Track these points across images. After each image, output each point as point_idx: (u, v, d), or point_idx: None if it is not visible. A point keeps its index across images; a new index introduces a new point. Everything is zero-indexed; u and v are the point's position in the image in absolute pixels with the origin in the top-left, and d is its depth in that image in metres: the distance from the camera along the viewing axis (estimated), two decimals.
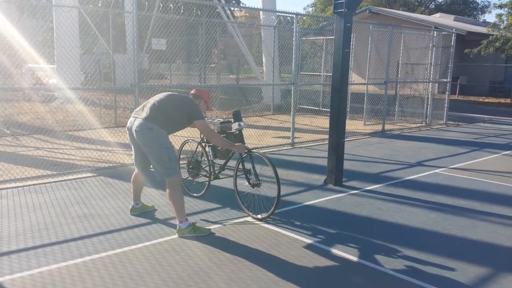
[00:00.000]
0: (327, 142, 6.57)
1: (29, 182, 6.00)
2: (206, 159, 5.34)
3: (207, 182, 5.43)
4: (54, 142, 8.78)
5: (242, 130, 5.13)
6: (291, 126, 9.22)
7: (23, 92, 15.04)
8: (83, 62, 14.90)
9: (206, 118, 5.10)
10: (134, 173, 4.87)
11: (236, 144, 4.85)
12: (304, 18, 33.19)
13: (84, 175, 6.50)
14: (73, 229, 4.48)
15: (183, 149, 5.87)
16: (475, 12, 46.00)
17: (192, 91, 4.83)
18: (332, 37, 6.39)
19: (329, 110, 6.54)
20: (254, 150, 4.93)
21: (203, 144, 5.35)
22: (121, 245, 4.11)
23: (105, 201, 5.37)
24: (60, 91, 13.28)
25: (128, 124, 4.51)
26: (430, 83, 13.30)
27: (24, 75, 15.34)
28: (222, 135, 5.03)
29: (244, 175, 4.90)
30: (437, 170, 7.38)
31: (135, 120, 4.42)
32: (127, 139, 4.66)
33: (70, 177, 6.36)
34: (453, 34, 13.21)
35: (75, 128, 10.26)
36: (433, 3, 46.78)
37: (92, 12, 14.30)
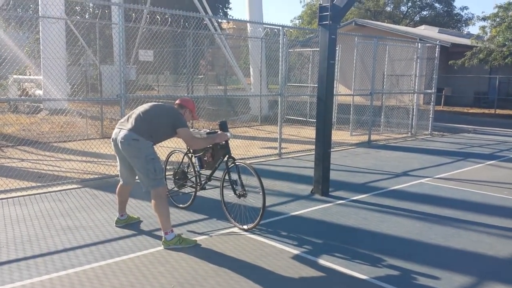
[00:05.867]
0: (314, 152, 6.60)
1: (13, 194, 5.92)
2: (192, 170, 5.33)
3: (193, 193, 5.41)
4: (39, 154, 8.69)
5: (229, 141, 5.14)
6: (278, 137, 9.25)
7: (8, 103, 14.90)
8: (69, 73, 14.82)
9: (192, 129, 5.11)
10: (119, 184, 4.84)
11: (217, 133, 4.87)
12: (291, 30, 33.49)
13: (69, 186, 6.44)
14: (57, 241, 4.42)
15: (169, 159, 5.85)
16: (459, 24, 46.84)
17: (177, 101, 4.84)
18: (318, 49, 6.46)
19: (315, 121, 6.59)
20: (240, 161, 4.93)
21: (190, 154, 5.35)
22: (105, 257, 4.07)
23: (90, 213, 5.32)
24: (46, 102, 13.20)
25: (113, 136, 4.50)
26: (415, 94, 13.47)
27: (10, 87, 15.21)
28: (209, 146, 5.02)
29: (230, 186, 4.89)
30: (422, 180, 7.44)
31: (120, 131, 4.41)
32: (113, 150, 4.63)
33: (55, 188, 6.29)
34: (437, 46, 13.44)
35: (60, 139, 10.17)
36: (417, 15, 47.57)
37: (79, 23, 14.27)
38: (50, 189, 6.25)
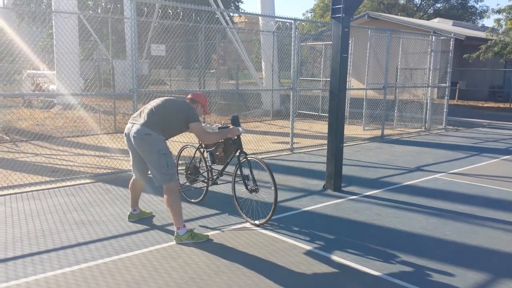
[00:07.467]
0: (326, 147, 6.55)
1: (27, 189, 5.98)
2: (204, 165, 5.33)
3: (205, 188, 5.41)
4: (53, 148, 8.77)
5: (241, 136, 5.11)
6: (290, 132, 9.21)
7: (22, 98, 15.06)
8: (82, 68, 14.92)
9: (204, 123, 5.10)
10: (132, 179, 4.85)
11: (229, 128, 4.89)
12: (303, 23, 33.30)
13: (82, 181, 6.48)
14: (70, 235, 4.45)
15: (181, 154, 5.85)
16: (473, 17, 46.06)
17: (189, 96, 4.82)
18: (331, 42, 6.39)
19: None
20: (252, 156, 4.91)
21: (202, 149, 5.34)
22: (118, 252, 4.09)
23: (103, 207, 5.35)
24: (60, 97, 13.30)
25: (126, 130, 4.50)
26: (429, 88, 13.30)
27: (24, 81, 15.35)
28: (221, 141, 5.01)
29: (242, 181, 4.88)
30: (436, 175, 7.35)
31: (133, 126, 4.41)
32: (126, 145, 4.64)
33: (68, 183, 6.34)
34: (452, 39, 13.23)
35: (74, 134, 10.25)
36: (431, 8, 46.90)
37: (91, 18, 14.33)
38: (63, 184, 6.29)
